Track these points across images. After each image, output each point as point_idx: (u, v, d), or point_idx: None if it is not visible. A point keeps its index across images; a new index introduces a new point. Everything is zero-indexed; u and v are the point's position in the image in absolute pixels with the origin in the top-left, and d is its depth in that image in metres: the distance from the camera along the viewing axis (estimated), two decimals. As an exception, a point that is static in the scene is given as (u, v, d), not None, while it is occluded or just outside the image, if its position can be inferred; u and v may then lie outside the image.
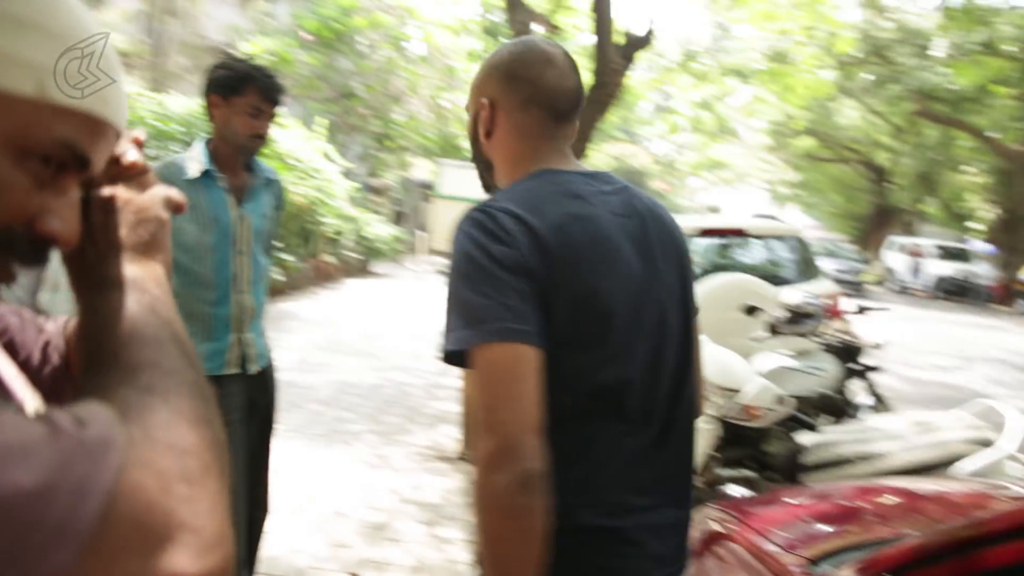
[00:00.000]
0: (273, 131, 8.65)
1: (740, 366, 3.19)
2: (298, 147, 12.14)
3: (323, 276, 13.66)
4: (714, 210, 28.68)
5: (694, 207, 34.71)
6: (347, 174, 16.89)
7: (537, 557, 0.97)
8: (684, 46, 21.19)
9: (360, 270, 15.71)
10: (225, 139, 2.15)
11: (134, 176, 0.64)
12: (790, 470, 3.06)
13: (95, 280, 0.60)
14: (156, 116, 7.96)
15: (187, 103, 9.16)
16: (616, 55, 8.47)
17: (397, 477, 4.06)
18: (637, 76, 26.08)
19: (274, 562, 2.96)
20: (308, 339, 7.94)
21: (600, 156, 30.96)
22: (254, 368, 2.27)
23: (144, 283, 0.61)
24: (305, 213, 11.79)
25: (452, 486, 3.98)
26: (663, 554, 1.12)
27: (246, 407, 2.25)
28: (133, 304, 0.58)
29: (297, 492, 3.71)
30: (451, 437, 4.76)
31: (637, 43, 8.82)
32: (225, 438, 1.69)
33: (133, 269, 0.61)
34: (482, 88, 1.21)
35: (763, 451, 3.33)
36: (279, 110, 2.19)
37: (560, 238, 1.04)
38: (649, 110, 30.21)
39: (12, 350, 0.71)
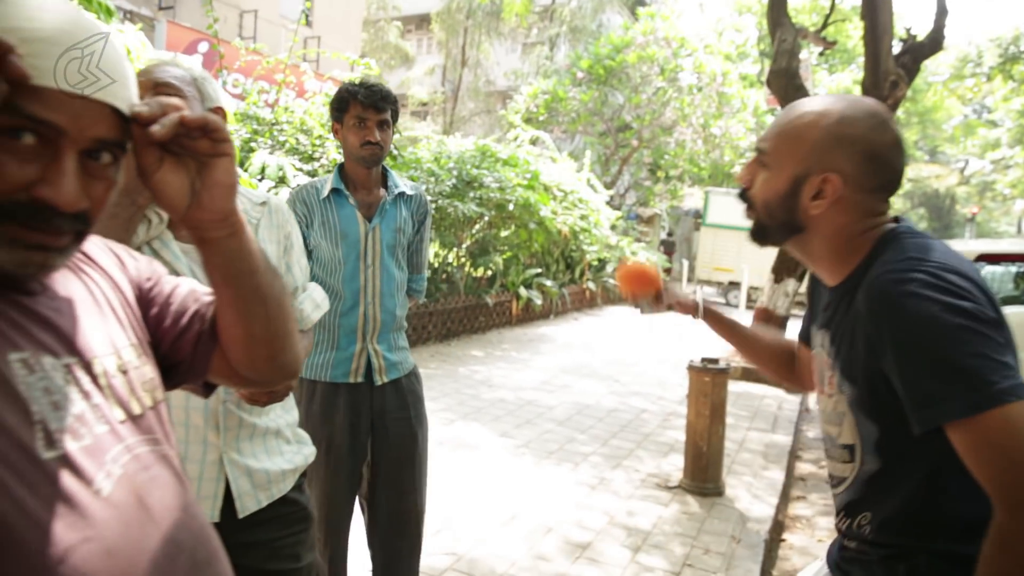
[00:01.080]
0: (542, 164, 9.17)
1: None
2: (565, 179, 12.72)
3: (585, 302, 14.06)
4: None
5: (1014, 233, 29.60)
6: (616, 204, 17.27)
7: None
8: (1003, 46, 18.41)
9: (623, 298, 15.88)
10: (349, 157, 2.29)
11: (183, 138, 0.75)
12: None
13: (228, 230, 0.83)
14: (434, 156, 8.90)
15: (463, 143, 10.12)
16: (894, 65, 7.68)
17: (613, 500, 4.04)
18: (941, 86, 23.18)
19: (475, 563, 3.14)
20: (556, 361, 8.22)
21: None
22: (381, 379, 2.31)
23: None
24: (569, 241, 12.28)
25: (667, 515, 3.87)
26: None
27: (367, 418, 2.30)
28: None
29: (514, 502, 3.88)
30: (676, 467, 4.63)
31: (920, 50, 7.93)
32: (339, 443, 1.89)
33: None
34: (828, 159, 1.13)
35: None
36: (387, 116, 2.23)
37: (987, 287, 1.06)
38: (959, 124, 26.59)
39: (151, 297, 0.91)
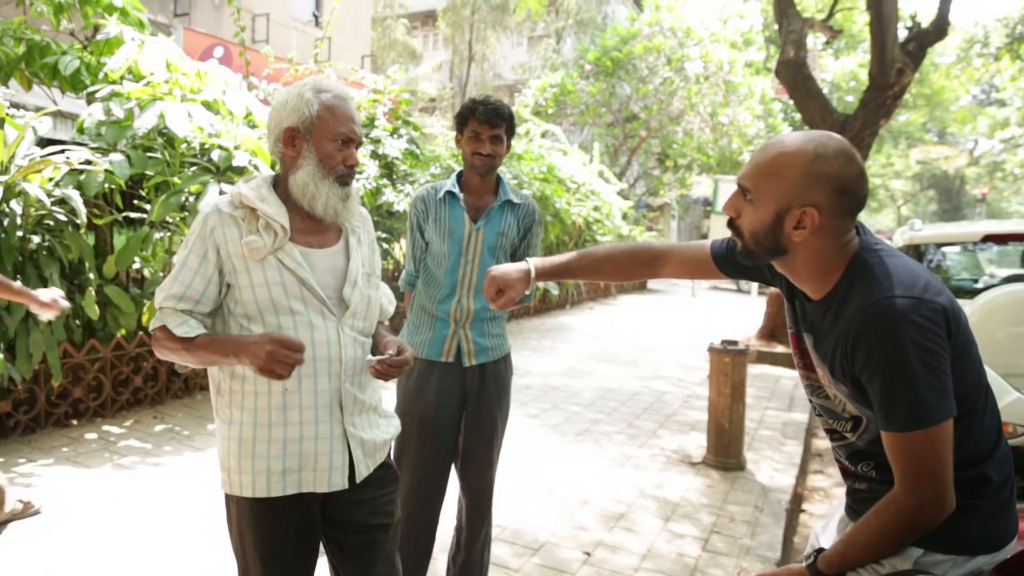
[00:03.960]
0: (555, 158, 9.48)
1: (993, 378, 2.93)
2: (577, 171, 12.94)
3: (600, 292, 14.28)
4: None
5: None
6: (626, 194, 17.45)
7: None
8: (1010, 26, 18.44)
9: (636, 286, 16.11)
10: (465, 164, 2.53)
11: None
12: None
13: None
14: (452, 152, 9.13)
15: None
16: (899, 53, 7.85)
17: (642, 475, 4.30)
18: (949, 68, 23.20)
19: (519, 534, 3.40)
20: (580, 349, 8.47)
21: (901, 162, 27.75)
22: (469, 362, 2.53)
23: None
24: (582, 232, 12.51)
25: (693, 488, 4.12)
26: None
27: (457, 396, 2.52)
28: None
29: (549, 479, 4.14)
30: (698, 444, 4.88)
31: (925, 37, 8.10)
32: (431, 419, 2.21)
33: None
34: (806, 194, 1.30)
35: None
36: (500, 131, 2.45)
37: (955, 316, 1.30)
38: (963, 107, 26.56)
39: None
